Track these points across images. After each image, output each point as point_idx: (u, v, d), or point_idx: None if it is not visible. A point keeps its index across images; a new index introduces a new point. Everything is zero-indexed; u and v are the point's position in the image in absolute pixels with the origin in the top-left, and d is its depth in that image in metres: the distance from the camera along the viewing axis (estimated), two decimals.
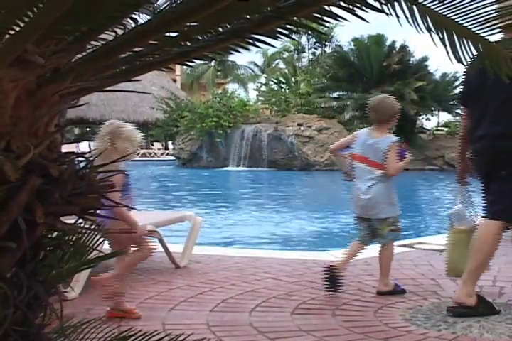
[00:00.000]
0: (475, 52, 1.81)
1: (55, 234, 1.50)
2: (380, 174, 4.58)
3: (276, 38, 1.48)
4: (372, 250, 6.50)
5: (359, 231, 4.81)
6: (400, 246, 6.65)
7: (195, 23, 1.40)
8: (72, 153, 1.40)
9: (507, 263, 5.48)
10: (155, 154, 36.84)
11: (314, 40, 37.75)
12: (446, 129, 29.37)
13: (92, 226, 1.55)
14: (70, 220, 1.45)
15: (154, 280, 5.00)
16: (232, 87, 46.39)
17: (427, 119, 30.41)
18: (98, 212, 1.35)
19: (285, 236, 9.22)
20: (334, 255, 6.16)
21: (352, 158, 4.71)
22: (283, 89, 34.99)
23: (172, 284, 4.89)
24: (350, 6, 1.48)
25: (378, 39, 28.89)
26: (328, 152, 4.99)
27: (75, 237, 1.65)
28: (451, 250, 4.52)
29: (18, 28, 1.16)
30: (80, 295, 4.40)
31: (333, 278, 4.60)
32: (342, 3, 1.46)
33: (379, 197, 4.59)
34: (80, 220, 1.44)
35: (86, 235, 1.82)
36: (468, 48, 1.83)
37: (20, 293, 1.34)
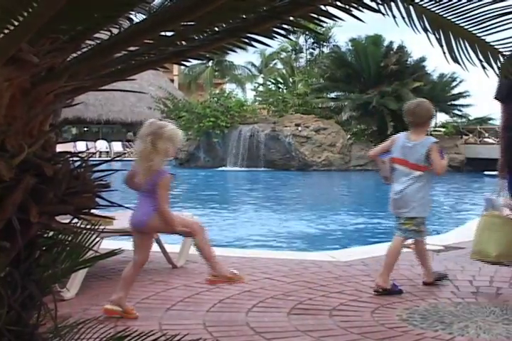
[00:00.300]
0: (471, 52, 1.81)
1: (50, 233, 1.49)
2: (418, 175, 4.72)
3: (272, 38, 1.48)
4: (370, 251, 6.51)
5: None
6: None
7: (190, 23, 1.39)
8: (67, 152, 1.39)
9: None
10: None
11: (312, 40, 37.72)
12: (443, 130, 29.39)
13: (88, 226, 1.54)
14: (66, 220, 1.45)
15: (151, 281, 4.99)
16: (229, 87, 46.37)
17: None
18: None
19: (282, 236, 9.22)
20: (331, 255, 6.16)
21: (391, 161, 4.85)
22: (280, 90, 34.95)
23: (169, 284, 4.88)
24: (347, 6, 1.47)
25: (376, 39, 28.90)
26: (368, 157, 5.18)
27: (70, 237, 1.64)
28: (480, 233, 4.69)
29: (12, 27, 1.16)
30: (76, 296, 4.40)
31: (438, 279, 4.92)
32: (338, 3, 1.46)
33: (411, 196, 4.72)
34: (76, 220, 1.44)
35: (82, 235, 1.81)
36: (464, 48, 1.83)
37: (15, 292, 1.34)
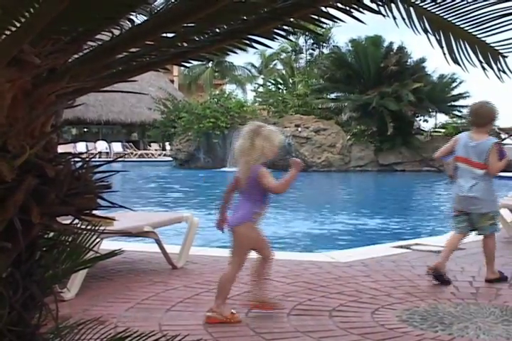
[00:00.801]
0: (471, 53, 1.81)
1: (51, 234, 1.50)
2: (482, 173, 5.01)
3: (272, 39, 1.48)
4: (370, 252, 6.51)
5: (458, 223, 5.16)
6: (396, 247, 6.66)
7: (191, 24, 1.40)
8: (69, 153, 1.40)
9: (504, 264, 5.49)
10: (152, 155, 36.82)
11: (312, 41, 37.73)
12: (443, 131, 29.36)
13: (89, 227, 1.54)
14: (66, 220, 1.45)
15: (151, 281, 4.99)
16: (229, 87, 46.33)
17: (425, 121, 30.37)
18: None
19: (282, 237, 9.21)
20: (331, 256, 6.16)
21: (455, 159, 5.16)
22: (280, 90, 34.96)
23: (169, 285, 4.88)
24: (347, 8, 1.48)
25: (376, 40, 28.87)
26: (434, 158, 5.53)
27: (71, 238, 1.64)
28: None
29: (14, 28, 1.16)
30: (76, 296, 4.40)
31: (439, 276, 4.94)
32: (339, 5, 1.46)
33: (481, 194, 5.02)
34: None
35: (82, 235, 1.82)
36: (464, 49, 1.84)
37: (16, 293, 1.34)
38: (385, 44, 29.05)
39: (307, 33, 33.11)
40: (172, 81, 44.87)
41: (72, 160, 1.39)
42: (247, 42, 1.47)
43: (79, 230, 1.52)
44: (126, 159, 31.84)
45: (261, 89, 39.31)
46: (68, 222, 1.46)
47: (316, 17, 1.46)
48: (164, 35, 1.40)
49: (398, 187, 20.23)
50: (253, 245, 4.01)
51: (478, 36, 1.82)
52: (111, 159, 1.69)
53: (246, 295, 4.23)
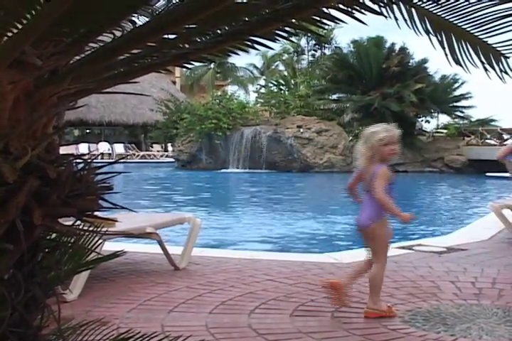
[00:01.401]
0: (473, 54, 1.81)
1: (53, 235, 1.50)
2: None
3: (274, 40, 1.48)
4: None
5: None
6: (399, 248, 6.64)
7: (193, 25, 1.40)
8: (70, 154, 1.40)
9: (506, 265, 5.48)
10: (154, 156, 36.84)
11: (314, 42, 37.78)
12: (445, 131, 29.38)
13: (91, 228, 1.54)
14: (68, 221, 1.45)
15: (153, 282, 4.99)
16: (231, 88, 46.38)
17: (427, 121, 30.39)
18: None
19: (284, 238, 9.21)
20: (333, 257, 6.16)
21: None
22: (282, 91, 34.98)
23: (171, 286, 4.89)
24: (349, 9, 1.48)
25: (378, 41, 28.91)
26: (497, 159, 5.69)
27: (73, 239, 1.65)
28: None
29: (16, 30, 1.16)
30: (78, 297, 4.40)
31: None
32: (340, 6, 1.46)
33: None
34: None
35: (84, 237, 1.82)
36: (466, 50, 1.84)
37: (18, 294, 1.34)
38: (387, 45, 29.10)
39: (309, 34, 33.14)
40: (174, 82, 44.88)
41: (74, 161, 1.39)
42: (249, 43, 1.47)
43: (81, 231, 1.52)
44: (128, 160, 31.88)
45: (263, 90, 39.33)
46: (70, 223, 1.46)
47: (317, 18, 1.46)
48: (166, 36, 1.40)
49: (400, 188, 20.22)
50: (382, 243, 4.11)
51: (480, 37, 1.82)
52: (113, 160, 1.69)
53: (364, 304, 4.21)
